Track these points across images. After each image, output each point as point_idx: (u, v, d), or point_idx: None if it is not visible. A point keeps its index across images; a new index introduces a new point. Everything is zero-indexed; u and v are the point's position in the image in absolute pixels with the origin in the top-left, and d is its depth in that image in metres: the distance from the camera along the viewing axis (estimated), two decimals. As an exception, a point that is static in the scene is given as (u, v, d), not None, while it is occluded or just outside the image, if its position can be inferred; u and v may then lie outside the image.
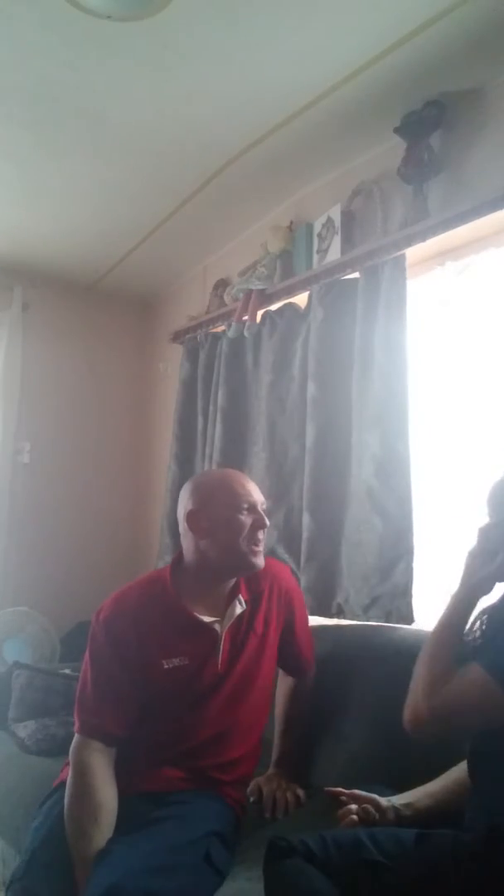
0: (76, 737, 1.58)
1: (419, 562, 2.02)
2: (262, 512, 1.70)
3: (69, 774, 1.54)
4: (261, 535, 1.69)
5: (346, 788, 1.40)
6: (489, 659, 1.20)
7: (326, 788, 1.43)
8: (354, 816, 1.33)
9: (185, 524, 1.69)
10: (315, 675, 1.89)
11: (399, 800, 1.36)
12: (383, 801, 1.35)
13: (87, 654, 1.64)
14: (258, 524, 1.68)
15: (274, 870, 1.18)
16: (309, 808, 1.66)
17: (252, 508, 1.68)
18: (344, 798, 1.38)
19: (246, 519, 1.66)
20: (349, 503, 2.21)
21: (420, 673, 1.26)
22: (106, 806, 1.48)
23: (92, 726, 1.57)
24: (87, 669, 1.62)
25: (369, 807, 1.34)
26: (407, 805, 1.35)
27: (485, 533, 1.36)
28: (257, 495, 1.71)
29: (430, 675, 1.24)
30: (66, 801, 1.50)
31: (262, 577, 1.75)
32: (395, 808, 1.34)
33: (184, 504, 1.72)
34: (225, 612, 1.68)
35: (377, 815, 1.33)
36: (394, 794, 1.39)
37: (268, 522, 1.72)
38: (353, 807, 1.35)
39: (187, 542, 1.71)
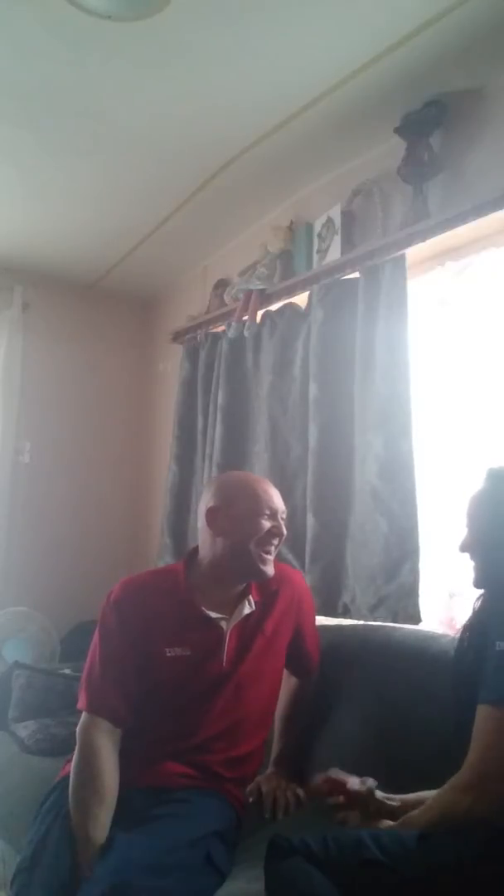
0: (84, 715, 1.59)
1: (425, 562, 2.01)
2: (281, 521, 1.71)
3: (75, 754, 1.56)
4: (275, 542, 1.69)
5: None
6: (491, 693, 1.20)
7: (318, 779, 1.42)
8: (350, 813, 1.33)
9: (204, 520, 1.71)
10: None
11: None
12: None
13: (96, 634, 1.66)
14: (275, 531, 1.68)
15: (275, 870, 1.18)
16: (309, 807, 1.66)
17: (272, 515, 1.69)
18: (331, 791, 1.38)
19: (264, 523, 1.67)
20: (353, 503, 2.21)
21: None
22: (110, 786, 1.50)
23: (99, 704, 1.58)
24: (96, 649, 1.64)
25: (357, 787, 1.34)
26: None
27: (463, 544, 1.40)
28: (279, 503, 1.72)
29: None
30: (71, 781, 1.52)
31: (275, 581, 1.75)
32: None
33: (206, 500, 1.73)
34: (234, 611, 1.69)
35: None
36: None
37: (285, 532, 1.72)
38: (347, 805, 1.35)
39: (203, 538, 1.73)
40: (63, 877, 1.39)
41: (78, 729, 1.59)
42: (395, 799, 1.36)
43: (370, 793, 1.35)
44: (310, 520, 2.28)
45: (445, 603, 2.12)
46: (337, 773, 1.39)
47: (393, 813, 1.33)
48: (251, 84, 2.04)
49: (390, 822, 1.31)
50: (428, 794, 1.34)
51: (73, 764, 1.55)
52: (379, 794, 1.35)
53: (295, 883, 1.14)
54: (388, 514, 2.06)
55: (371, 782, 1.36)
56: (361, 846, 1.16)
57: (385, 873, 1.13)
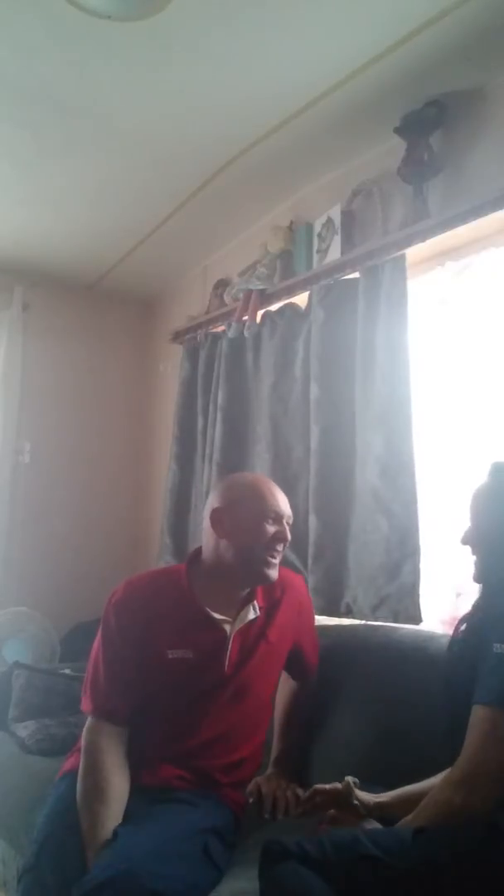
0: (89, 719, 1.60)
1: (428, 561, 2.01)
2: (286, 525, 1.69)
3: (81, 756, 1.56)
4: (280, 547, 1.68)
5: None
6: (487, 694, 1.21)
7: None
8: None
9: (209, 521, 1.69)
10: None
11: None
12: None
13: (98, 636, 1.66)
14: (280, 536, 1.66)
15: (269, 874, 1.18)
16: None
17: (277, 519, 1.67)
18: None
19: (269, 528, 1.65)
20: (354, 504, 2.20)
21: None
22: (116, 787, 1.49)
23: (103, 707, 1.59)
24: (98, 651, 1.64)
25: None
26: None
27: (465, 537, 1.40)
28: (285, 507, 1.70)
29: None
30: (78, 783, 1.52)
31: (278, 588, 1.74)
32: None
33: (211, 501, 1.72)
34: (237, 615, 1.68)
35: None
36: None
37: (289, 537, 1.70)
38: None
39: (207, 540, 1.71)
40: (71, 877, 1.38)
41: (84, 732, 1.59)
42: (382, 797, 1.36)
43: (348, 788, 1.34)
44: (312, 520, 2.28)
45: (450, 602, 2.12)
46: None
47: (381, 809, 1.33)
48: (251, 84, 2.04)
49: (378, 825, 1.31)
50: (413, 788, 1.35)
51: (80, 766, 1.54)
52: (360, 793, 1.35)
53: (289, 887, 1.14)
54: (389, 514, 2.06)
55: (351, 779, 1.35)
56: (357, 843, 1.16)
57: (382, 868, 1.13)
